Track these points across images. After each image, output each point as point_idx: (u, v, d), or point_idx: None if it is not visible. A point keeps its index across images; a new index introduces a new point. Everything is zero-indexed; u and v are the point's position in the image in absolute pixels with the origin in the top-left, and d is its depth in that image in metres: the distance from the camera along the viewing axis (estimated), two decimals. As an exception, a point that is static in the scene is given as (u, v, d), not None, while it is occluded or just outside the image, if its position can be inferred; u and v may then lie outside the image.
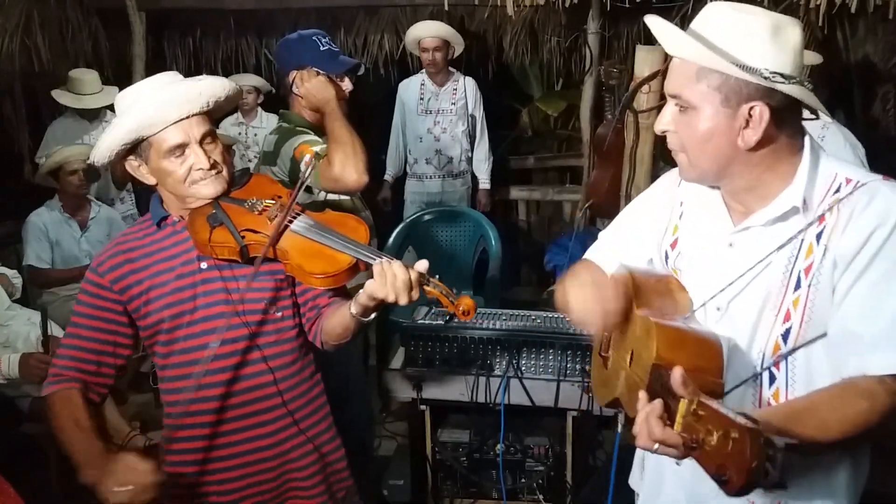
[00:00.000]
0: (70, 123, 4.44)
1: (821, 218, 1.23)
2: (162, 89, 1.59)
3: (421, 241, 4.16)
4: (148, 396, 3.71)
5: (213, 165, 1.63)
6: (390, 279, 1.49)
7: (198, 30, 5.60)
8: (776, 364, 1.29)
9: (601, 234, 1.68)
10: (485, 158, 4.75)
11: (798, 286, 1.25)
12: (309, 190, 2.32)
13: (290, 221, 1.64)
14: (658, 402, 1.09)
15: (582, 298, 1.38)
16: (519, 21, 5.32)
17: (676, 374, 1.07)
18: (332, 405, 1.89)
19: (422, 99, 4.57)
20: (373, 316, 1.60)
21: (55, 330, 3.06)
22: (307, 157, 1.80)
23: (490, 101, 6.16)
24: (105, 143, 1.59)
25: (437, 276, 1.57)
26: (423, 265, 1.54)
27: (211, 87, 1.62)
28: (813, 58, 3.01)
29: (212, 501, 1.72)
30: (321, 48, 2.36)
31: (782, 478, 0.97)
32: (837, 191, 1.24)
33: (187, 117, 1.58)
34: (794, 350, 1.27)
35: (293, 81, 2.37)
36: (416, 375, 2.64)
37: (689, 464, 1.35)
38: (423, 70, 4.59)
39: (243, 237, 1.61)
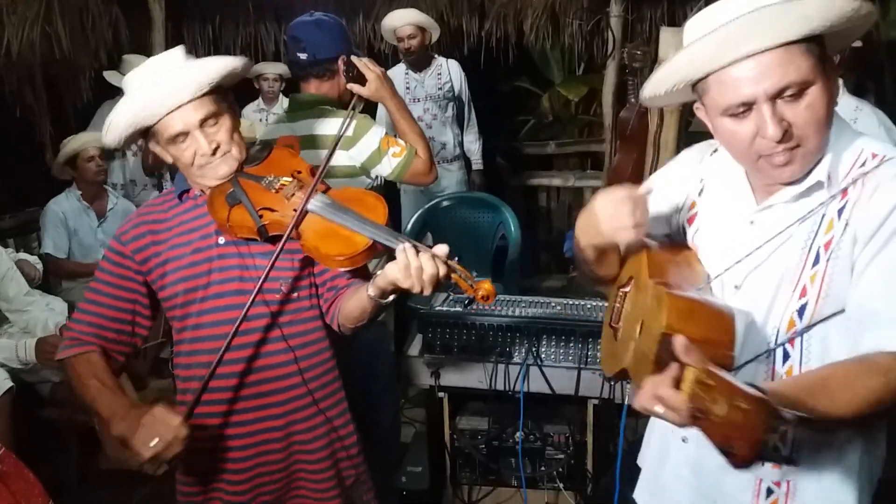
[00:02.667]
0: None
1: (843, 192, 1.20)
2: (157, 80, 1.55)
3: (440, 227, 4.12)
4: (167, 382, 3.72)
5: (216, 149, 1.59)
6: (416, 272, 1.44)
7: (217, 17, 5.60)
8: (790, 341, 1.26)
9: None
10: (475, 139, 4.73)
11: (816, 261, 1.21)
12: (367, 174, 2.36)
13: (308, 202, 1.61)
14: (674, 366, 1.03)
15: (611, 203, 1.29)
16: (540, 4, 5.26)
17: (679, 340, 1.04)
18: (358, 392, 1.86)
19: (408, 88, 4.49)
20: (391, 298, 1.56)
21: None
22: (396, 149, 2.00)
23: (510, 86, 6.11)
24: (112, 132, 1.59)
25: (457, 259, 1.52)
26: (442, 250, 1.49)
27: (204, 72, 1.54)
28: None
29: (221, 478, 1.71)
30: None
31: (792, 453, 0.95)
32: (863, 165, 1.21)
33: (179, 106, 1.54)
34: (809, 327, 1.23)
35: (347, 65, 2.32)
36: (434, 363, 2.60)
37: (695, 440, 1.37)
38: (402, 60, 4.51)
39: (261, 216, 1.59)
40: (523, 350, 2.54)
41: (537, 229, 5.47)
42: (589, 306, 2.67)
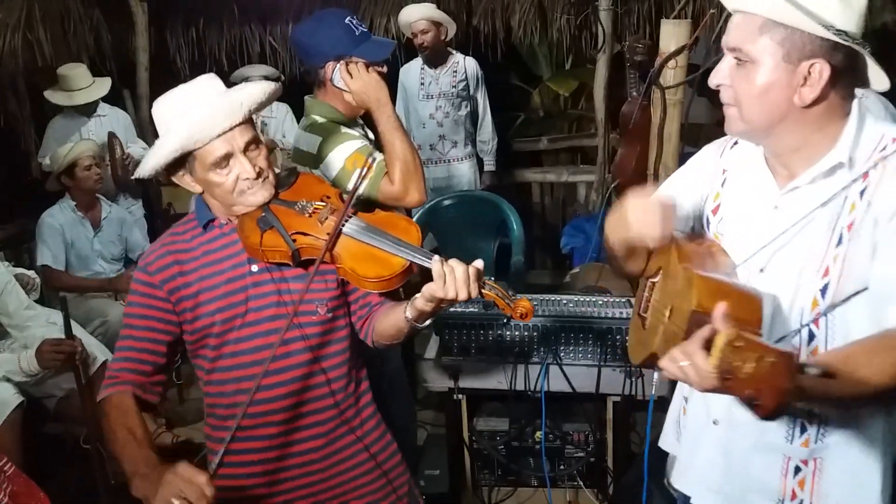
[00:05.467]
0: (67, 121, 4.39)
1: (864, 175, 1.25)
2: (203, 103, 1.53)
3: (441, 227, 4.09)
4: (171, 393, 3.67)
5: (260, 173, 1.59)
6: (449, 276, 1.45)
7: (201, 19, 5.50)
8: (815, 321, 1.30)
9: None
10: (489, 140, 4.65)
11: (840, 242, 1.26)
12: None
13: (343, 225, 1.60)
14: (705, 329, 1.11)
15: (641, 208, 1.36)
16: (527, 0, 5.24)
17: (719, 309, 1.11)
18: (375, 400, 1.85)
19: (422, 83, 4.44)
20: (428, 322, 1.58)
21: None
22: (363, 171, 1.77)
23: (499, 83, 6.08)
24: (150, 162, 1.55)
25: (492, 278, 1.54)
26: (479, 263, 1.51)
27: (252, 96, 1.56)
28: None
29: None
30: (356, 32, 2.14)
31: (812, 406, 1.10)
32: (884, 149, 1.26)
33: (231, 129, 1.54)
34: (833, 307, 1.28)
35: (333, 73, 2.14)
36: (452, 365, 2.58)
37: (725, 423, 1.45)
38: (419, 55, 4.44)
39: (294, 240, 1.58)
40: (542, 349, 2.53)
41: (531, 226, 5.45)
42: (602, 302, 2.67)
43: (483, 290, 1.50)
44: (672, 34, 3.07)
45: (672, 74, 3.11)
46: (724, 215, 1.46)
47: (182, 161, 1.57)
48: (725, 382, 1.03)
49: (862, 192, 1.25)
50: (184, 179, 1.61)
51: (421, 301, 1.52)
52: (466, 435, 2.71)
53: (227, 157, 1.55)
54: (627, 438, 2.73)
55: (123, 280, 3.71)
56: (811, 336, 1.31)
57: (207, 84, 1.58)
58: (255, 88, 1.57)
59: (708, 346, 1.06)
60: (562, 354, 2.52)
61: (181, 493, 1.31)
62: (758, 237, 1.35)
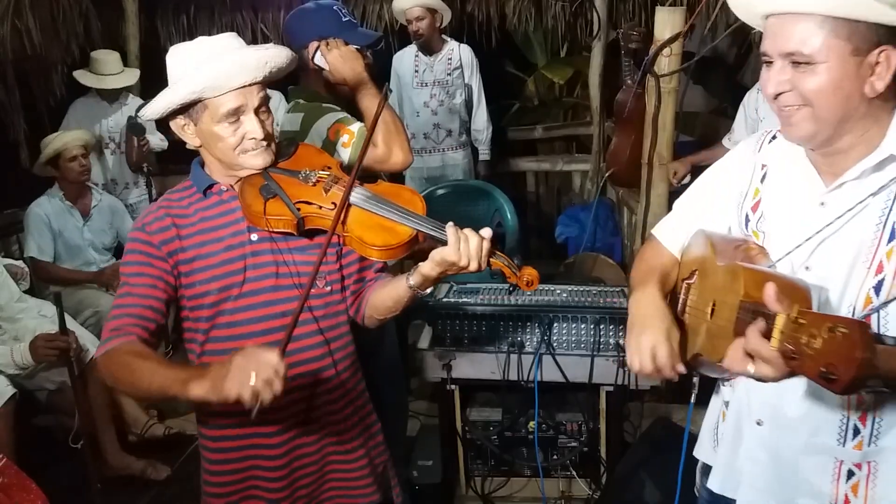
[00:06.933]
0: (91, 104, 4.37)
1: None
2: (229, 53, 1.53)
3: (435, 216, 4.04)
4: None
5: (266, 137, 1.58)
6: (464, 244, 1.48)
7: (192, 6, 5.45)
8: (867, 318, 1.24)
9: (676, 204, 1.62)
10: (483, 128, 4.62)
11: (892, 237, 1.21)
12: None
13: (350, 193, 1.60)
14: (759, 321, 1.07)
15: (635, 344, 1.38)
16: (523, -14, 5.20)
17: (770, 289, 1.07)
18: (369, 389, 1.84)
19: (416, 71, 4.42)
20: (428, 291, 1.60)
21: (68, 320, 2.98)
22: (345, 138, 1.74)
23: (493, 71, 6.05)
24: (163, 101, 1.53)
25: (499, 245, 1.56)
26: (487, 232, 1.53)
27: (277, 57, 1.57)
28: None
29: (258, 475, 1.67)
30: (342, 18, 2.22)
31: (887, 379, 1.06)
32: None
33: (250, 84, 1.54)
34: (887, 304, 1.22)
35: (315, 53, 2.21)
36: (445, 355, 2.56)
37: (770, 423, 1.40)
38: (413, 42, 4.41)
39: (298, 209, 1.57)
40: (535, 339, 2.51)
41: (526, 215, 5.43)
42: (595, 292, 2.65)
43: (491, 259, 1.52)
44: (667, 21, 3.04)
45: (667, 62, 3.09)
46: (764, 212, 1.40)
47: (187, 109, 1.55)
48: (792, 363, 1.00)
49: None
50: (184, 130, 1.59)
51: (429, 265, 1.52)
52: (459, 425, 2.69)
53: (239, 112, 1.54)
54: (620, 428, 2.72)
55: (110, 273, 3.68)
56: None
57: (232, 39, 1.58)
58: (280, 51, 1.58)
59: (767, 335, 1.05)
60: (555, 344, 2.50)
61: (257, 370, 1.29)
62: (802, 235, 1.30)
